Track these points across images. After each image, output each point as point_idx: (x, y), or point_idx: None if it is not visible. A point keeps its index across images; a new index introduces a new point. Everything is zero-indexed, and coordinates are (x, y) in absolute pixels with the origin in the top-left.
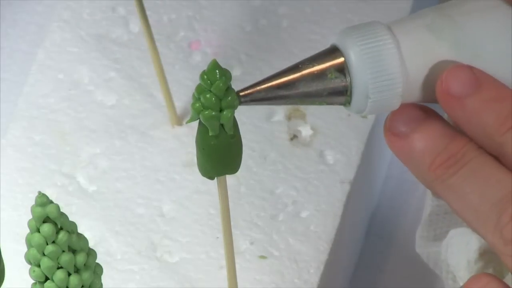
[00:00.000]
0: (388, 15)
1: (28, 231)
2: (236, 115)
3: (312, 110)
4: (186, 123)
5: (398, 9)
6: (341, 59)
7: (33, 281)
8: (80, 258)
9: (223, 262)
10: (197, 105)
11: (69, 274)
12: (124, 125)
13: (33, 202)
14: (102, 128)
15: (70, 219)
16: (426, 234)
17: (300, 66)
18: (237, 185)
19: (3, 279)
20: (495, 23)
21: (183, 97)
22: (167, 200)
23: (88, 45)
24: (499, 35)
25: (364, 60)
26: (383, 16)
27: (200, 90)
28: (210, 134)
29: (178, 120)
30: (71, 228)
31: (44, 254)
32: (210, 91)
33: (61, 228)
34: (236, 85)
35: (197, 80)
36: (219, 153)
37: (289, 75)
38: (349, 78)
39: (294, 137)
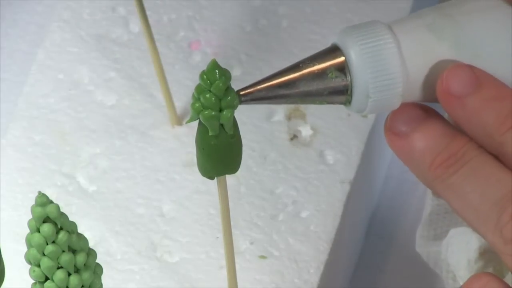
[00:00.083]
0: (388, 15)
1: (28, 231)
2: (236, 115)
3: (312, 110)
4: (186, 123)
5: (398, 9)
6: (342, 59)
7: (33, 281)
8: (80, 258)
9: (223, 262)
10: (197, 105)
11: (69, 274)
12: (124, 125)
13: (33, 202)
14: (102, 128)
15: (70, 219)
16: (426, 233)
17: (300, 65)
18: (237, 185)
19: (3, 279)
20: (496, 23)
21: (183, 97)
22: (167, 200)
23: (88, 45)
24: (499, 35)
25: (364, 59)
26: (383, 16)
27: (199, 90)
28: (210, 134)
29: (178, 120)
30: (71, 228)
31: (44, 254)
32: (210, 91)
33: (61, 228)
34: (236, 85)
35: (197, 80)
36: (219, 153)
37: (289, 74)
38: (349, 78)
39: (294, 137)
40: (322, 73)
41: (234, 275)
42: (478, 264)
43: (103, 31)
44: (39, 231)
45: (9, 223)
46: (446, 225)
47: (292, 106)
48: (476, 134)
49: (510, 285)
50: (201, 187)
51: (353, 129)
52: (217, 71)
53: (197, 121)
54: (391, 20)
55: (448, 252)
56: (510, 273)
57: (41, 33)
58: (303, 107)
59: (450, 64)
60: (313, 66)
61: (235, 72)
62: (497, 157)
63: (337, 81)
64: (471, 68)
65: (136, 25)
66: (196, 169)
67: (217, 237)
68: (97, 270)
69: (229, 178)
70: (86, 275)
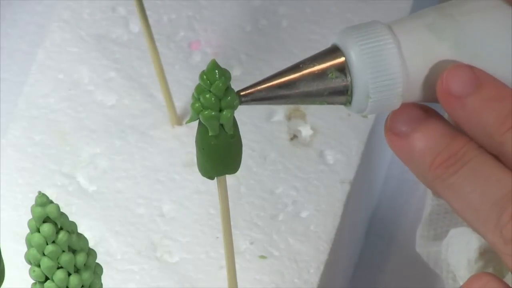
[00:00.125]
0: (388, 15)
1: (28, 231)
2: (236, 115)
3: (312, 110)
4: (186, 123)
5: (398, 9)
6: (342, 59)
7: (33, 281)
8: (80, 258)
9: (223, 262)
10: (197, 105)
11: (69, 274)
12: (124, 125)
13: (33, 202)
14: (102, 128)
15: (70, 219)
16: (427, 233)
17: (300, 65)
18: (237, 185)
19: (3, 279)
20: (496, 23)
21: (183, 97)
22: (167, 200)
23: (88, 45)
24: (500, 35)
25: (364, 59)
26: (383, 16)
27: (199, 90)
28: (210, 134)
29: (178, 120)
30: (71, 228)
31: (44, 254)
32: (210, 91)
33: (61, 228)
34: (236, 85)
35: (197, 80)
36: (219, 153)
37: (289, 74)
38: (349, 78)
39: (294, 137)
40: (322, 74)
41: (234, 275)
42: (478, 264)
43: (103, 31)
44: (39, 231)
45: (9, 223)
46: (446, 225)
47: (292, 106)
48: (476, 134)
49: (510, 285)
50: (201, 187)
51: (353, 129)
52: (217, 71)
53: (197, 121)
54: (391, 20)
55: (448, 252)
56: (510, 273)
57: (41, 33)
58: (303, 107)
59: (450, 64)
60: (313, 66)
61: (235, 72)
62: (497, 157)
63: (337, 82)
64: (471, 68)
65: (136, 25)
66: (196, 169)
67: (217, 237)
68: (97, 270)
69: (229, 178)
70: (86, 275)
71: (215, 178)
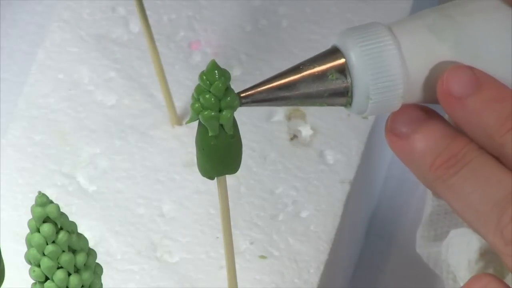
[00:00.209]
0: (388, 15)
1: (28, 231)
2: (236, 115)
3: (312, 110)
4: (186, 123)
5: (398, 9)
6: (342, 60)
7: (33, 281)
8: (80, 258)
9: (223, 262)
10: (197, 105)
11: (69, 274)
12: (124, 125)
13: (33, 202)
14: (102, 128)
15: (70, 219)
16: (427, 234)
17: (301, 67)
18: (237, 185)
19: (3, 279)
20: (496, 24)
21: (183, 97)
22: (167, 200)
23: (88, 45)
24: (500, 36)
25: (365, 61)
26: (383, 16)
27: (199, 91)
28: (209, 135)
29: (178, 120)
30: (71, 228)
31: (44, 254)
32: (209, 91)
33: (61, 228)
34: (236, 85)
35: (197, 80)
36: (219, 153)
37: (290, 76)
38: (350, 79)
39: (294, 137)
40: (322, 75)
41: (234, 275)
42: (479, 265)
43: (103, 31)
44: (39, 231)
45: (9, 223)
46: (447, 225)
47: (292, 106)
48: (477, 135)
49: (511, 286)
50: (201, 187)
51: (353, 129)
52: (216, 71)
53: (197, 121)
54: (392, 21)
55: (449, 252)
56: (510, 274)
57: (41, 33)
58: (303, 107)
59: (451, 65)
60: (313, 68)
61: (235, 72)
62: (498, 158)
63: (338, 83)
64: (471, 69)
65: (136, 25)
66: (196, 169)
67: (217, 237)
68: (97, 270)
69: (229, 178)
70: (86, 275)
71: (215, 178)
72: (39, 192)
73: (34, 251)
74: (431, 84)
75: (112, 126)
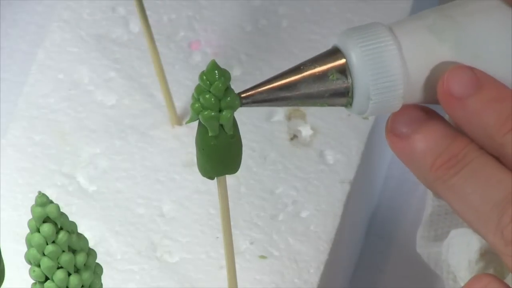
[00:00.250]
0: (388, 15)
1: (28, 231)
2: (236, 115)
3: (312, 110)
4: (186, 123)
5: (398, 9)
6: (343, 61)
7: (33, 281)
8: (80, 258)
9: (223, 262)
10: (197, 105)
11: (69, 274)
12: (124, 125)
13: (33, 202)
14: (102, 128)
15: (70, 219)
16: (427, 234)
17: (301, 67)
18: (237, 185)
19: (3, 279)
20: (496, 24)
21: (183, 97)
22: (167, 200)
23: (88, 45)
24: (500, 36)
25: (365, 61)
26: (383, 16)
27: (199, 91)
28: (209, 135)
29: (178, 120)
30: (71, 228)
31: (44, 254)
32: (209, 91)
33: (61, 228)
34: (236, 85)
35: (197, 80)
36: (219, 153)
37: (290, 76)
38: (350, 80)
39: (294, 137)
40: (323, 75)
41: (234, 275)
42: (479, 265)
43: (103, 31)
44: (39, 231)
45: (9, 223)
46: (447, 226)
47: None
48: (477, 135)
49: (511, 286)
50: (201, 187)
51: (353, 129)
52: (216, 71)
53: (197, 121)
54: (392, 20)
55: (449, 253)
56: (511, 274)
57: (41, 33)
58: (303, 107)
59: (451, 66)
60: (314, 68)
61: (235, 72)
62: (498, 159)
63: (338, 83)
64: (471, 69)
65: (136, 25)
66: (196, 169)
67: (217, 237)
68: (97, 270)
69: (229, 178)
70: (86, 275)
71: (215, 178)
72: (39, 192)
73: (34, 251)
74: (431, 84)
75: (112, 126)
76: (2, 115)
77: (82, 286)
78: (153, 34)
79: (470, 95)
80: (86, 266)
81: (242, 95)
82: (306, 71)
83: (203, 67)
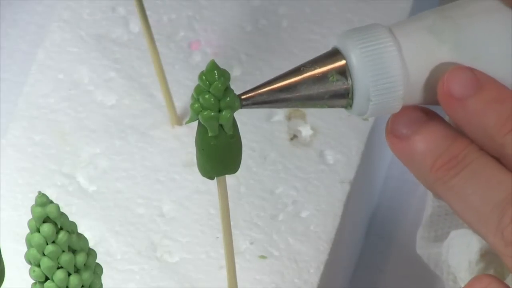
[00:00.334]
0: (388, 15)
1: (28, 231)
2: (236, 115)
3: (312, 111)
4: (186, 123)
5: (398, 10)
6: (343, 62)
7: (33, 281)
8: (80, 258)
9: (223, 262)
10: (196, 105)
11: (69, 274)
12: (124, 125)
13: (33, 202)
14: (102, 128)
15: (70, 219)
16: (427, 235)
17: (301, 69)
18: (237, 185)
19: (3, 279)
20: (496, 25)
21: (183, 97)
22: (167, 200)
23: (88, 45)
24: (500, 37)
25: (365, 62)
26: (383, 16)
27: (199, 91)
28: (209, 135)
29: (178, 120)
30: (71, 228)
31: (44, 254)
32: (209, 91)
33: (61, 228)
34: (236, 85)
35: (197, 80)
36: (219, 154)
37: (290, 78)
38: (350, 81)
39: (294, 137)
40: (323, 77)
41: (234, 275)
42: (479, 266)
43: (103, 31)
44: (39, 231)
45: (9, 223)
46: (447, 226)
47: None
48: (477, 136)
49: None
50: (201, 187)
51: (353, 129)
52: (216, 71)
53: (197, 121)
54: (392, 21)
55: (449, 253)
56: (511, 274)
57: (41, 33)
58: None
59: (451, 67)
60: (314, 69)
61: (235, 72)
62: (498, 159)
63: (338, 85)
64: (471, 70)
65: (136, 25)
66: (196, 169)
67: (217, 237)
68: (97, 270)
69: (229, 178)
70: (86, 275)
71: (215, 178)
72: (39, 192)
73: (34, 251)
74: (431, 85)
75: (112, 126)
76: (2, 115)
77: (82, 286)
78: (153, 34)
79: (470, 96)
80: (86, 266)
81: (242, 97)
82: (306, 72)
83: (203, 67)
